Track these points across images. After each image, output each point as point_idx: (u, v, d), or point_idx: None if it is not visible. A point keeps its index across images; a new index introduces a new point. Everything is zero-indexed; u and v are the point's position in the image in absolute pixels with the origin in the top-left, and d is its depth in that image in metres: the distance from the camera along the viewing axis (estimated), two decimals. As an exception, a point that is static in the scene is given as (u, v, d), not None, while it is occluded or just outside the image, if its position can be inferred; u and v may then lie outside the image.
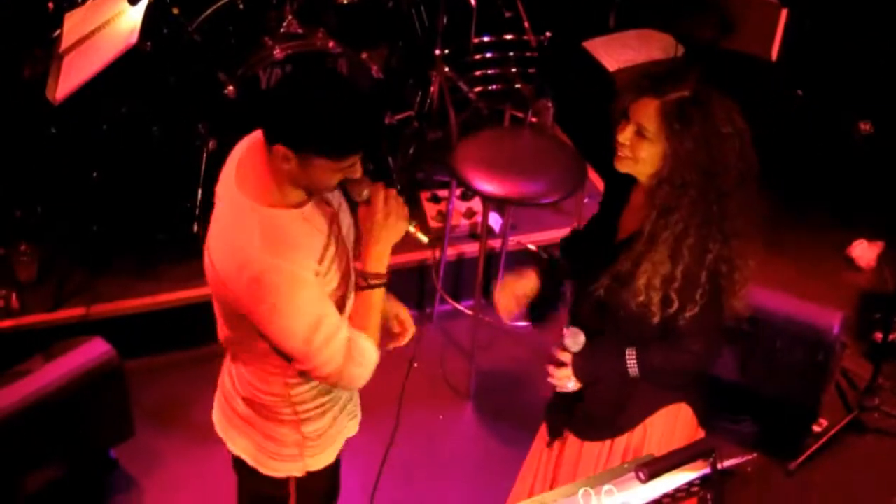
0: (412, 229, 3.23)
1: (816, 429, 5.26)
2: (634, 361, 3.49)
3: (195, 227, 5.67)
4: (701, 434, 3.68)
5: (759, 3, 5.33)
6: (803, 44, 6.04)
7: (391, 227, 3.17)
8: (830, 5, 6.43)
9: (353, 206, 3.29)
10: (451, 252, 5.86)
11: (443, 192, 6.11)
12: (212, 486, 4.78)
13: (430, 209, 6.06)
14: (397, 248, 3.31)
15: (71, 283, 5.47)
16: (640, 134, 3.28)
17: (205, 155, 5.60)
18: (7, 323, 5.26)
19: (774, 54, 5.36)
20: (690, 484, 3.02)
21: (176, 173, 5.77)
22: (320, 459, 3.53)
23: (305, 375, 3.24)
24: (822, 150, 6.73)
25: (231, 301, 3.15)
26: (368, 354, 3.19)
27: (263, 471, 3.53)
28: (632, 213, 3.48)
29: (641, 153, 3.29)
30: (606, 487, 2.96)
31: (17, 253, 5.44)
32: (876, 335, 5.69)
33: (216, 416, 3.65)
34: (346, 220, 3.35)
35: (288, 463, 3.50)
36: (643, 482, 2.91)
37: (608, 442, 3.64)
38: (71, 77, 4.85)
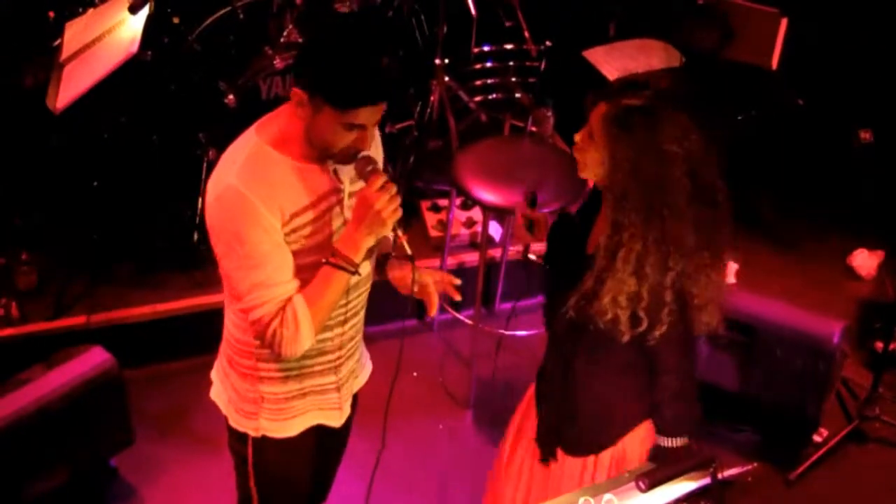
0: (400, 233, 3.21)
1: (817, 438, 5.26)
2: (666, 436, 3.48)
3: (195, 237, 5.68)
4: None
5: (759, 12, 5.34)
6: (803, 53, 6.04)
7: (373, 216, 3.14)
8: (831, 14, 6.44)
9: None
10: (451, 261, 5.86)
11: (443, 202, 6.11)
12: (212, 494, 4.78)
13: (431, 218, 6.06)
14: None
15: (71, 292, 5.47)
16: (590, 137, 3.29)
17: (205, 164, 5.60)
18: (7, 331, 5.26)
19: (775, 63, 5.37)
20: (691, 494, 3.02)
21: (176, 182, 5.78)
22: (277, 427, 3.53)
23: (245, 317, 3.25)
24: (822, 159, 6.73)
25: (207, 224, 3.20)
26: (302, 324, 3.17)
27: (230, 422, 3.59)
28: (599, 227, 3.47)
29: (587, 156, 3.30)
30: (606, 497, 2.96)
31: (18, 262, 5.45)
32: (876, 344, 5.68)
33: (216, 362, 3.69)
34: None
35: (246, 419, 3.54)
36: (643, 492, 2.91)
37: (591, 458, 3.62)
38: (72, 86, 4.86)
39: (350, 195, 3.29)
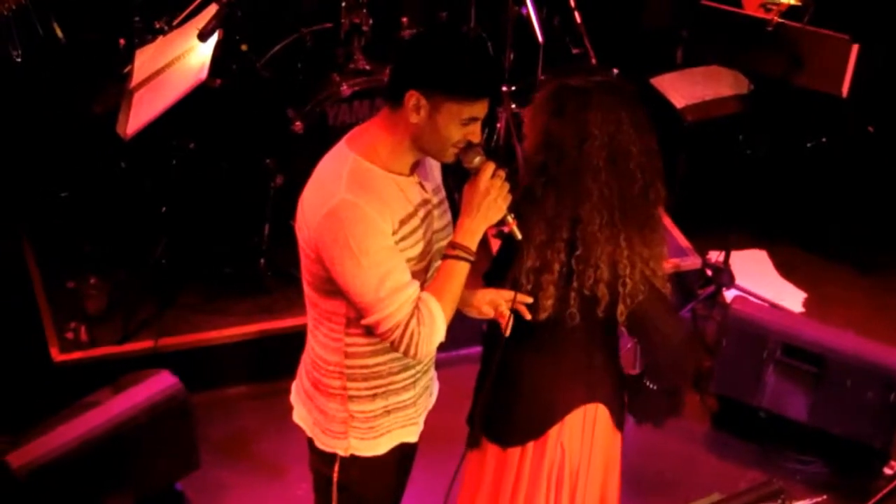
0: (510, 219, 3.27)
1: (887, 471, 5.18)
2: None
3: (262, 262, 5.70)
4: (618, 437, 3.70)
5: (829, 38, 5.29)
6: (875, 80, 5.98)
7: (490, 203, 3.22)
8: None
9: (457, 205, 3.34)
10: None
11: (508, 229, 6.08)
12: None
13: (496, 245, 6.04)
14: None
15: (139, 317, 5.51)
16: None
17: (272, 190, 5.63)
18: (76, 355, 5.31)
19: (845, 90, 5.31)
20: (759, 525, 2.99)
21: (243, 208, 5.81)
22: (366, 445, 3.53)
23: (371, 332, 3.27)
24: (892, 187, 6.65)
25: (310, 242, 3.23)
26: (437, 318, 3.22)
27: (317, 443, 3.58)
28: None
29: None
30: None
31: (87, 286, 5.49)
32: (949, 376, 5.59)
33: (293, 385, 3.70)
34: (442, 219, 3.43)
35: (335, 439, 3.53)
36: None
37: (530, 445, 3.61)
38: (141, 112, 4.90)
39: (436, 206, 3.39)
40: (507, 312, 3.40)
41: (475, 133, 3.21)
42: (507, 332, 3.41)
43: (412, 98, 3.11)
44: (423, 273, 3.34)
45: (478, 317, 3.52)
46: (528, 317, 3.39)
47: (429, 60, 3.13)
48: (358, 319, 3.26)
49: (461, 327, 3.44)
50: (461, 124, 3.16)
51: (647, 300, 3.40)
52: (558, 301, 3.39)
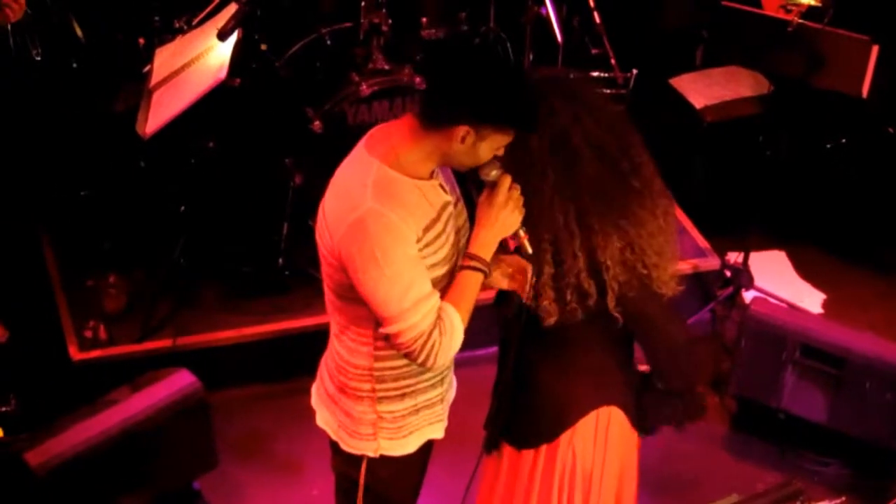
0: (521, 233, 3.30)
1: (906, 473, 5.17)
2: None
3: (281, 261, 5.71)
4: (635, 438, 3.69)
5: (850, 39, 5.27)
6: (895, 80, 5.95)
7: (506, 216, 3.26)
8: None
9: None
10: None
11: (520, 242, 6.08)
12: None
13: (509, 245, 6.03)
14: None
15: (158, 315, 5.53)
16: None
17: (291, 189, 5.64)
18: (95, 353, 5.33)
19: (865, 91, 5.29)
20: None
21: (262, 207, 5.82)
22: (395, 445, 3.54)
23: (390, 342, 3.28)
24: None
25: (333, 251, 3.23)
26: (457, 328, 3.25)
27: (343, 447, 3.58)
28: None
29: None
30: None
31: (106, 284, 5.51)
32: (969, 378, 5.56)
33: (313, 389, 3.70)
34: (461, 216, 3.44)
35: (363, 441, 3.53)
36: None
37: (542, 448, 3.61)
38: (160, 112, 4.91)
39: (455, 204, 3.40)
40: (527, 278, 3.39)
41: (501, 149, 3.23)
42: (527, 298, 3.39)
43: (462, 131, 3.12)
44: (450, 274, 3.35)
45: (498, 284, 3.50)
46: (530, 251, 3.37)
47: (486, 98, 3.11)
48: None
49: (479, 327, 3.43)
50: (501, 146, 3.20)
51: (640, 298, 3.38)
52: (558, 302, 3.39)
